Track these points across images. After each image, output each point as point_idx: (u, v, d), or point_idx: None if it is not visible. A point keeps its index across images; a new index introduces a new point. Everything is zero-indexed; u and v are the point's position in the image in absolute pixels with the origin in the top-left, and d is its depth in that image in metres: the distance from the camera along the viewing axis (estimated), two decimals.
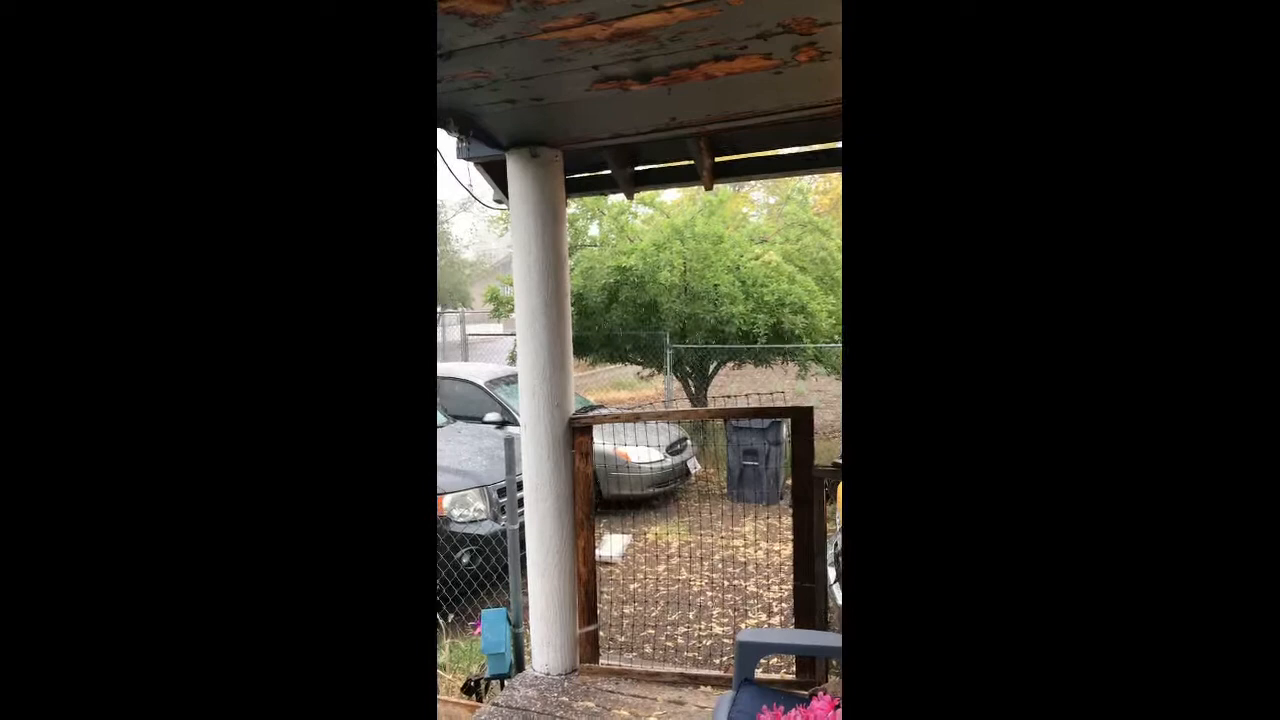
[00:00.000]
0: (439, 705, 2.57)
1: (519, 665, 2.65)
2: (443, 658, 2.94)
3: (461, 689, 2.67)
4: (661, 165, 2.72)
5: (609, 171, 2.67)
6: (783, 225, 8.85)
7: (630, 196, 3.04)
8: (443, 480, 3.82)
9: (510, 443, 2.78)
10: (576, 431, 2.51)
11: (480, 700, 2.58)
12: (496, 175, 2.62)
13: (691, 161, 2.58)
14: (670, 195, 9.84)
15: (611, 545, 4.59)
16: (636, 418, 2.68)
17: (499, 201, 2.80)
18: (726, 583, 4.05)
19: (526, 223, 2.40)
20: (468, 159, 2.52)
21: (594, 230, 8.92)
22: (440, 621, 3.08)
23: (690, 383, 8.27)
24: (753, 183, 12.67)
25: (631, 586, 4.05)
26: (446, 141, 2.30)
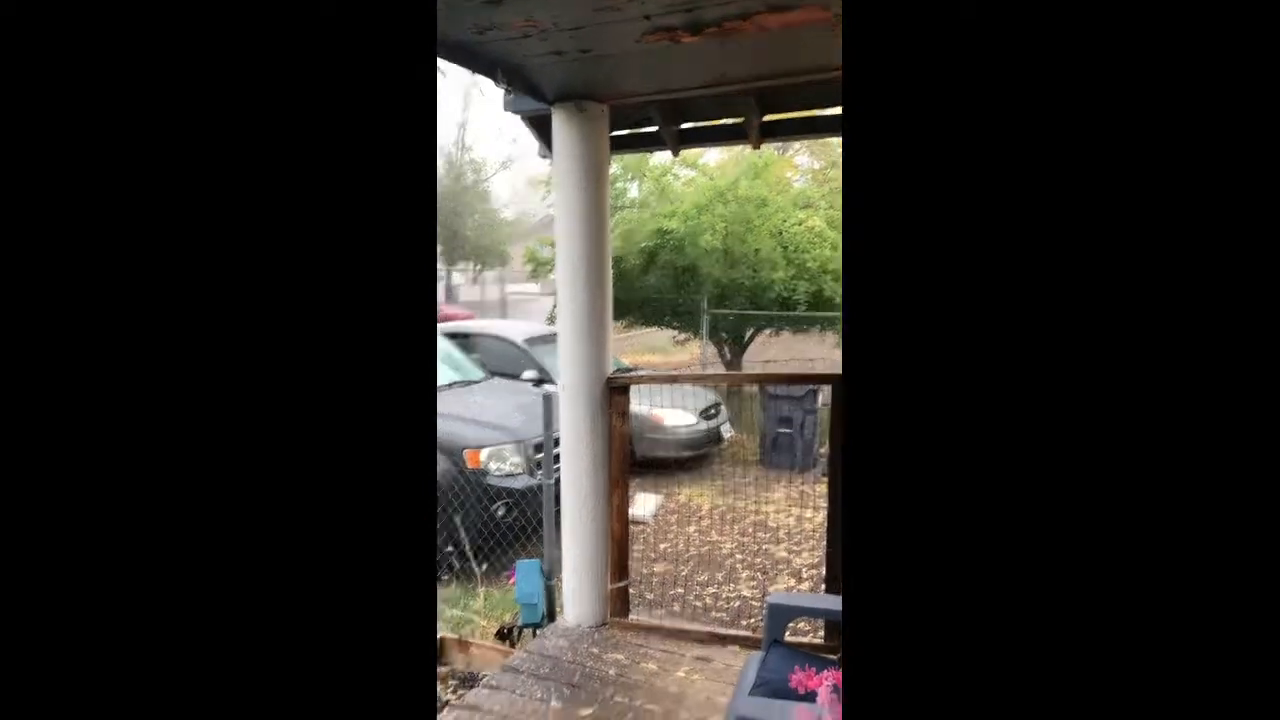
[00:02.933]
0: (474, 649, 2.66)
1: (550, 616, 2.72)
2: (477, 604, 3.03)
3: (495, 635, 2.76)
4: (709, 123, 2.67)
5: (655, 128, 2.62)
6: (828, 190, 8.63)
7: (676, 153, 2.99)
8: (480, 434, 3.89)
9: (549, 400, 2.81)
10: (614, 391, 2.52)
11: (513, 646, 2.66)
12: (542, 130, 2.59)
13: (740, 119, 2.51)
14: (713, 156, 9.65)
15: (643, 505, 4.65)
16: (674, 379, 2.68)
17: (543, 157, 2.78)
18: (756, 547, 4.07)
19: (570, 179, 2.38)
20: (514, 112, 2.50)
21: (634, 192, 8.82)
22: (475, 570, 3.18)
23: (726, 349, 8.22)
24: (798, 146, 12.32)
25: (661, 546, 4.10)
26: (494, 94, 2.28)
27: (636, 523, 4.36)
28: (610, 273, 2.53)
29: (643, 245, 7.39)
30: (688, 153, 7.16)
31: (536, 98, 2.32)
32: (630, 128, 2.74)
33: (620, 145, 2.74)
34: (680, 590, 3.50)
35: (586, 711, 1.99)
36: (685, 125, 2.67)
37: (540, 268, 8.44)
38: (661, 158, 7.74)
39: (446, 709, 2.12)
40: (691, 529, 4.40)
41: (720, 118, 2.62)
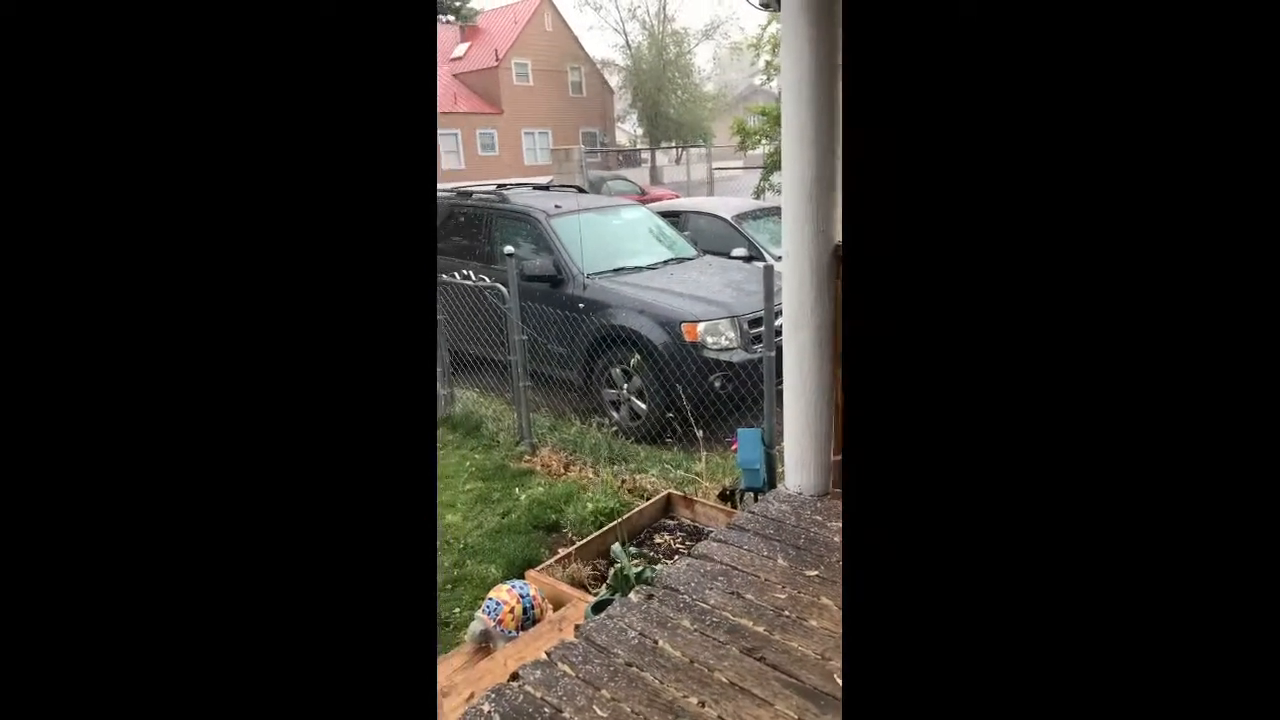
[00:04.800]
0: (699, 507, 2.83)
1: (771, 483, 2.78)
2: (699, 468, 3.19)
3: (718, 496, 2.90)
4: None
5: None
6: None
7: None
8: (695, 309, 3.96)
9: (769, 271, 2.74)
10: (841, 259, 2.38)
11: (734, 508, 2.79)
12: None
13: None
14: None
15: None
16: None
17: (766, 6, 2.55)
18: None
19: (799, 23, 2.16)
20: None
21: None
22: (697, 435, 3.32)
23: None
24: None
25: None
26: None
27: None
28: (841, 128, 2.31)
29: None
30: None
31: None
32: None
33: None
34: None
35: (813, 572, 2.04)
36: None
37: (749, 138, 8.05)
38: None
39: (678, 557, 2.29)
40: None
41: None
